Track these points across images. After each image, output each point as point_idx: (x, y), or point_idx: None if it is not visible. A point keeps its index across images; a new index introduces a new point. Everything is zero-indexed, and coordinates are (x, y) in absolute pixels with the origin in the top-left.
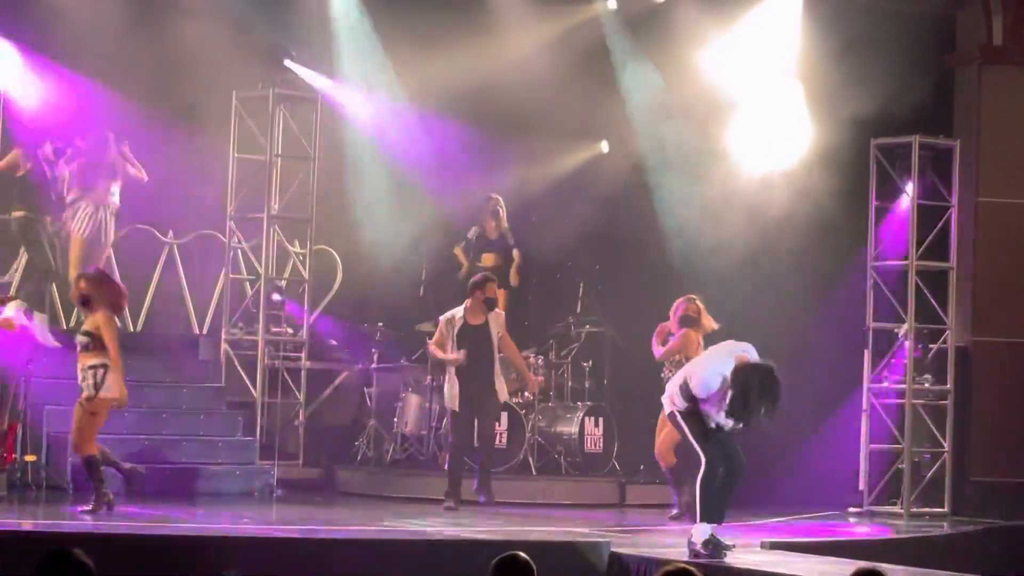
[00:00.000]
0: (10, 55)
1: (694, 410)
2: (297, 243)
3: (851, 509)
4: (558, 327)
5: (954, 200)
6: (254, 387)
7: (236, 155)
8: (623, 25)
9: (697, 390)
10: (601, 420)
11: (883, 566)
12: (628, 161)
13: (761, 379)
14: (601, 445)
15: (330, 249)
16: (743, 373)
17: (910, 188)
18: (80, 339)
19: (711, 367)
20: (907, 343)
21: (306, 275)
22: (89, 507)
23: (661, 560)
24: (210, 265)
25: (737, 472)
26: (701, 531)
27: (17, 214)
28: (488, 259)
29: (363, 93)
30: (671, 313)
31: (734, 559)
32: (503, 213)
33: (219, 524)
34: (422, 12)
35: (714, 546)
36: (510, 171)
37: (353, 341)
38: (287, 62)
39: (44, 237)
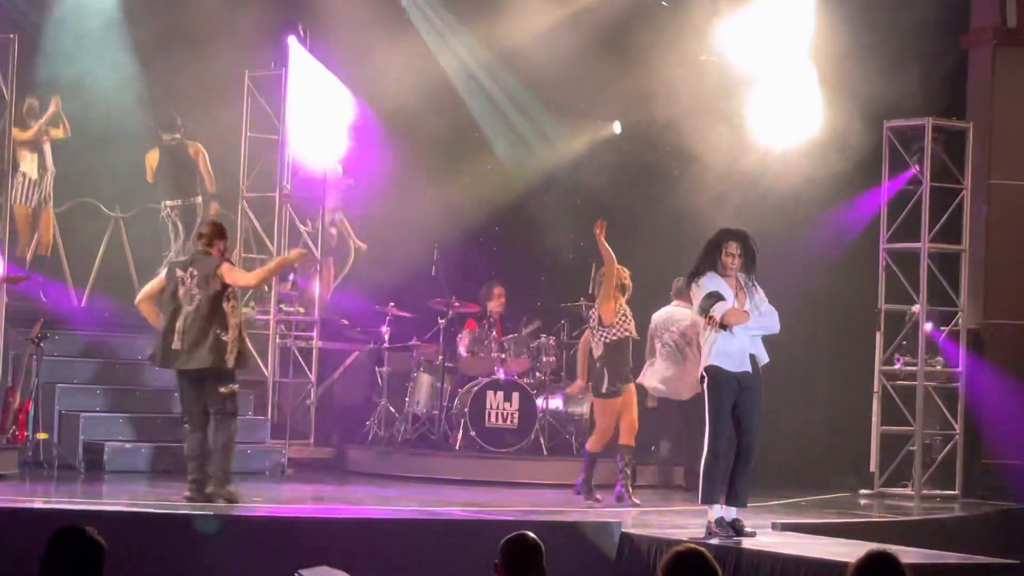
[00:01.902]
0: None
1: (716, 373)
2: (309, 222)
3: (862, 491)
4: (570, 307)
5: (967, 182)
6: (266, 366)
7: (248, 134)
8: (632, 4)
9: (699, 290)
10: None
11: (894, 548)
12: (641, 141)
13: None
14: None
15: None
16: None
17: (922, 170)
18: None
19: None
20: (919, 325)
21: (318, 254)
22: None
23: (672, 540)
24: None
25: (748, 453)
26: (712, 512)
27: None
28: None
29: (376, 72)
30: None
31: (746, 541)
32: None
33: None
34: None
35: (727, 526)
36: (523, 150)
37: (365, 320)
38: (297, 40)
39: None
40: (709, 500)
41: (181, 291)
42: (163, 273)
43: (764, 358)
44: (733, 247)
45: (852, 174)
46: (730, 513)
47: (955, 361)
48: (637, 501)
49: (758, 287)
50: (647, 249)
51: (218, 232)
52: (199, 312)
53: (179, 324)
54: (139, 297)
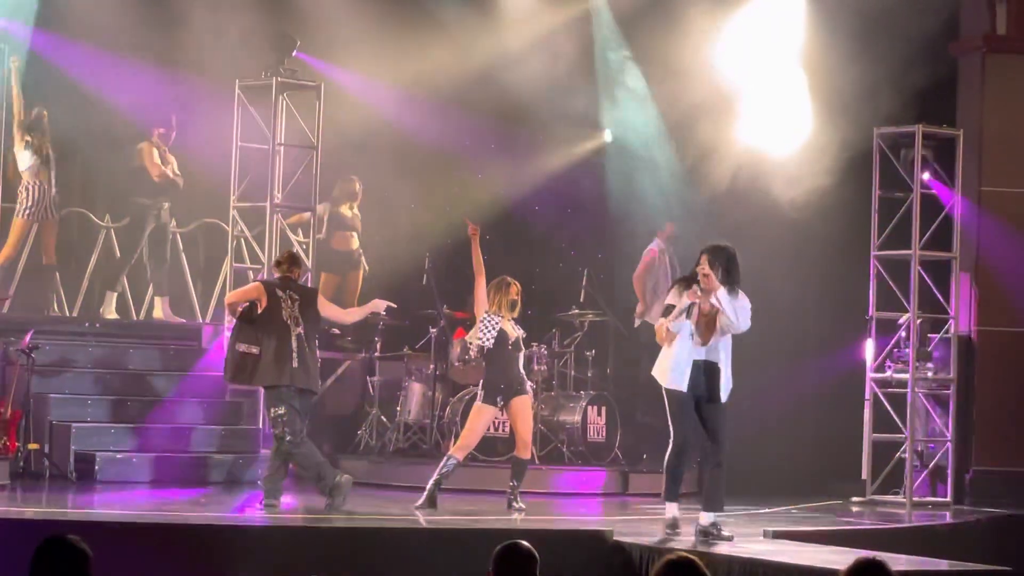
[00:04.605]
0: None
1: (664, 389)
2: (300, 232)
3: (854, 498)
4: (561, 316)
5: (957, 189)
6: None
7: (239, 144)
8: (625, 13)
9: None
10: (604, 409)
11: (884, 555)
12: (632, 150)
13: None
14: (604, 434)
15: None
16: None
17: (913, 177)
18: None
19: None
20: (910, 332)
21: (309, 264)
22: None
23: (663, 549)
24: (213, 253)
25: (715, 457)
26: (669, 510)
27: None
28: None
29: (368, 82)
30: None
31: (736, 548)
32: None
33: (222, 512)
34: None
35: (675, 526)
36: (514, 159)
37: (356, 330)
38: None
39: None
40: (669, 497)
41: (285, 313)
42: (253, 283)
43: (727, 385)
44: (703, 260)
45: (842, 181)
46: (708, 518)
47: (946, 368)
48: (521, 505)
49: (741, 295)
50: (639, 258)
51: (297, 259)
52: (309, 335)
53: (294, 344)
54: (233, 297)
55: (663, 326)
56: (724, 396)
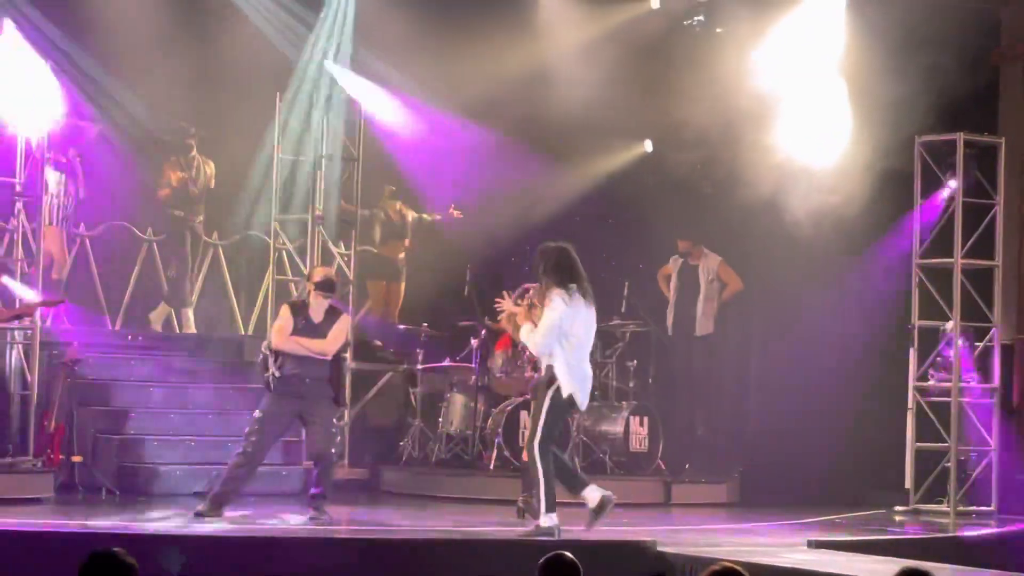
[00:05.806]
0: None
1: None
2: (342, 244)
3: (897, 508)
4: (602, 326)
5: (999, 198)
6: None
7: (280, 156)
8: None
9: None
10: (646, 419)
11: (928, 565)
12: (672, 159)
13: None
14: (646, 444)
15: (373, 250)
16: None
17: (955, 185)
18: None
19: None
20: (953, 341)
21: (351, 276)
22: None
23: (707, 559)
24: (255, 266)
25: None
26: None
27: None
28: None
29: (406, 93)
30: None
31: (779, 558)
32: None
33: (264, 524)
34: (465, 10)
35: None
36: (553, 171)
37: (398, 341)
38: (328, 64)
39: None
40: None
41: None
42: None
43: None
44: None
45: (884, 190)
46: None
47: (990, 377)
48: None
49: (547, 301)
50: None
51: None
52: None
53: None
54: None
55: None
56: (580, 401)
